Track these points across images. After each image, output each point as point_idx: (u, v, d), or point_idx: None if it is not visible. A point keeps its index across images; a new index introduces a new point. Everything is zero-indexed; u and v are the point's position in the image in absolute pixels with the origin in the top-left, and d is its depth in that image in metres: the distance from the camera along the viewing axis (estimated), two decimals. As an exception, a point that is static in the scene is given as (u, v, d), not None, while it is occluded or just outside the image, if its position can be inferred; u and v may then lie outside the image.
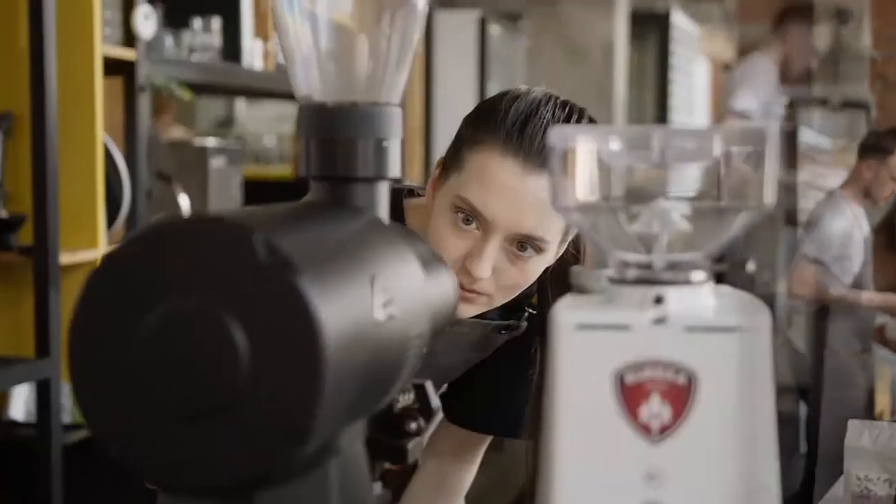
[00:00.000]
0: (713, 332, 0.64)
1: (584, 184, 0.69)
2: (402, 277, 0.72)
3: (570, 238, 1.34)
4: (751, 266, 4.44)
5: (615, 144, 0.68)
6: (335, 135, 0.78)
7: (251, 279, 0.59)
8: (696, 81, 9.20)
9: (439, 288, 0.81)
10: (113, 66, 2.66)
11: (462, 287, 1.28)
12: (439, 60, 5.03)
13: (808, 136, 5.22)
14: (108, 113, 2.70)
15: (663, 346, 0.65)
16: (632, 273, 0.68)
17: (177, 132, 4.23)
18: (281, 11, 0.80)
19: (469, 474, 1.62)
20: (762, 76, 4.10)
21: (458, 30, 5.24)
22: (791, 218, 4.62)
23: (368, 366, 0.64)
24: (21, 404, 2.74)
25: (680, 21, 8.00)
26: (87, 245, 2.53)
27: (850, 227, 4.11)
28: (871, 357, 4.15)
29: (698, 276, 0.68)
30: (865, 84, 9.37)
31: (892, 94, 9.86)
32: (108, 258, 0.61)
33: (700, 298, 0.67)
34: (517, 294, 1.34)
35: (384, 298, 0.67)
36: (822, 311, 4.10)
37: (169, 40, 3.00)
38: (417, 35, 0.81)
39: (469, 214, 1.27)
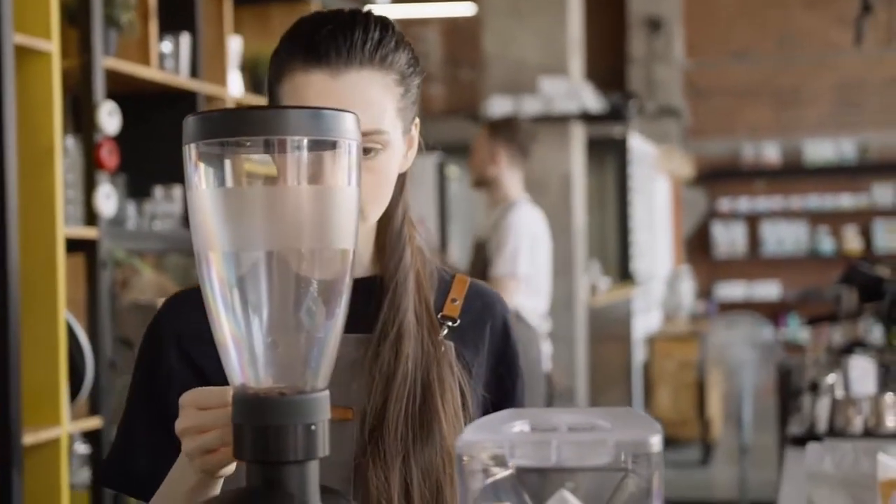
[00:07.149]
0: None
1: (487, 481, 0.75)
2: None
3: (415, 123, 1.30)
4: None
5: (518, 450, 0.74)
6: (267, 422, 0.85)
7: None
8: (656, 199, 9.35)
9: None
10: (75, 244, 2.73)
11: None
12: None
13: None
14: (71, 285, 2.76)
15: None
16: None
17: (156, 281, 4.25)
18: (215, 308, 0.87)
19: None
20: None
21: (417, 173, 5.34)
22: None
23: None
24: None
25: (637, 143, 8.19)
26: (50, 423, 2.56)
27: None
28: None
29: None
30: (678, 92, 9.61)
31: (703, 101, 10.17)
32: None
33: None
34: (387, 199, 1.29)
35: None
36: None
37: (132, 210, 3.08)
38: (340, 329, 0.88)
39: None
